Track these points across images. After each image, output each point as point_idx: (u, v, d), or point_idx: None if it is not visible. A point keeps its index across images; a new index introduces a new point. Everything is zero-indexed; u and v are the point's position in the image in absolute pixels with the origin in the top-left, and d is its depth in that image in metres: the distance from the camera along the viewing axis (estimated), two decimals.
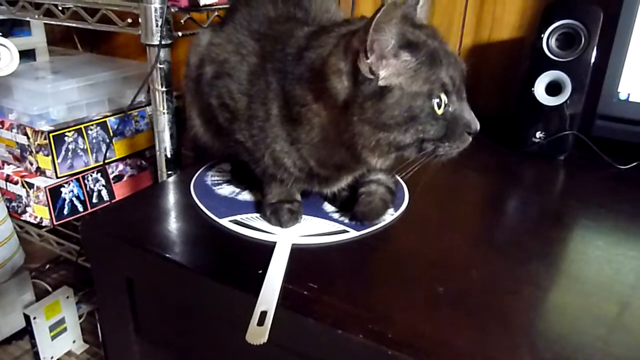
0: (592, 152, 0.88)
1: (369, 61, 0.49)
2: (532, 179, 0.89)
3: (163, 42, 0.73)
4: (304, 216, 0.66)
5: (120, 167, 1.21)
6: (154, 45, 0.73)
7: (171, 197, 0.72)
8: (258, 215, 0.66)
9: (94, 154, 1.14)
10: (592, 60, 0.86)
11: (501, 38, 1.10)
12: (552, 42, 0.88)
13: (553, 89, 0.89)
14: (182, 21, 0.78)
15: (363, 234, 0.63)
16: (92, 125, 1.12)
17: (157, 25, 0.72)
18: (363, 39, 0.48)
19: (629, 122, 0.88)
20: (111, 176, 1.19)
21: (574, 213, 0.74)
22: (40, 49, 1.41)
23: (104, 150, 1.15)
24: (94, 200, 1.16)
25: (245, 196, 0.72)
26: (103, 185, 1.18)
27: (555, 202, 0.79)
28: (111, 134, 1.16)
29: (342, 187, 0.65)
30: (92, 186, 1.15)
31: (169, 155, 0.80)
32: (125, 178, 1.22)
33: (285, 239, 0.60)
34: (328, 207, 0.69)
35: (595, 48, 0.86)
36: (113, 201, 1.18)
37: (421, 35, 0.51)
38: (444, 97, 0.51)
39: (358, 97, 0.50)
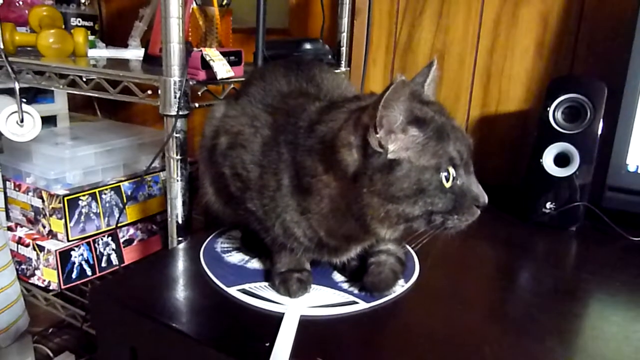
0: (603, 223, 0.88)
1: (378, 135, 0.51)
2: (544, 250, 0.87)
3: (180, 113, 0.75)
4: (313, 286, 0.65)
5: (131, 231, 1.21)
6: (171, 116, 0.76)
7: (180, 265, 0.72)
8: (267, 284, 0.66)
9: (106, 218, 1.15)
10: (599, 132, 0.88)
11: (508, 110, 1.13)
12: (559, 115, 0.90)
13: (562, 160, 0.90)
14: (199, 93, 0.82)
15: (373, 306, 0.62)
16: (106, 189, 1.14)
17: (175, 97, 0.75)
18: (373, 114, 0.50)
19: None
20: (121, 240, 1.20)
21: (588, 286, 0.72)
22: (62, 115, 1.47)
23: (116, 215, 1.16)
24: (103, 265, 1.16)
25: (255, 264, 0.71)
26: (113, 250, 1.18)
27: (568, 274, 0.77)
28: (124, 199, 1.18)
29: (351, 257, 0.65)
30: (102, 250, 1.16)
31: (180, 222, 0.81)
32: (135, 242, 1.22)
33: (293, 310, 0.59)
34: (337, 277, 0.69)
35: (601, 121, 0.87)
36: (122, 265, 1.18)
37: (429, 112, 0.53)
38: (452, 170, 0.52)
39: (367, 169, 0.52)
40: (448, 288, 0.70)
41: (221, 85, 0.87)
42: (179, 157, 0.79)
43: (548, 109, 0.90)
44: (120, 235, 1.20)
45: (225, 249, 0.75)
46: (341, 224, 0.57)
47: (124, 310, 0.61)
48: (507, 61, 1.11)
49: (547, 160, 0.90)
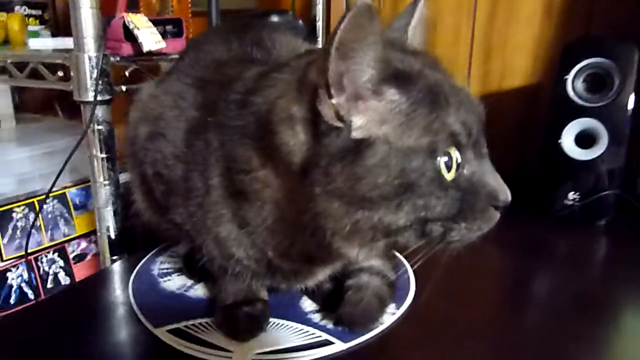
0: (639, 215, 0.74)
1: (334, 101, 0.34)
2: (566, 253, 0.73)
3: (99, 98, 0.59)
4: (272, 319, 0.48)
5: (83, 244, 1.05)
6: (87, 102, 0.59)
7: (103, 295, 0.55)
8: (211, 320, 0.49)
9: (49, 232, 0.99)
10: (630, 103, 0.73)
11: (514, 86, 1.00)
12: (579, 85, 0.76)
13: (585, 140, 0.75)
14: (126, 73, 0.65)
15: (353, 346, 0.46)
16: (47, 198, 0.98)
17: (91, 78, 0.58)
18: (322, 67, 0.33)
19: None
20: (71, 256, 1.03)
21: (624, 300, 0.57)
22: (6, 115, 1.29)
23: (61, 227, 1.00)
24: (49, 285, 0.99)
25: (198, 291, 0.55)
26: (61, 267, 1.02)
27: (597, 284, 0.62)
28: (71, 208, 1.02)
29: (320, 280, 0.48)
30: (46, 269, 0.99)
31: (112, 237, 0.64)
32: (88, 257, 1.06)
33: (242, 358, 0.42)
34: (306, 304, 0.52)
35: (632, 89, 0.73)
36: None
37: (415, 64, 0.36)
38: (455, 153, 0.35)
39: (321, 157, 0.35)
40: (451, 312, 0.54)
41: (159, 63, 0.70)
42: (103, 155, 0.62)
43: (566, 77, 0.76)
44: (70, 250, 1.03)
45: (164, 272, 0.59)
46: (293, 241, 0.40)
47: None
48: (511, 28, 0.97)
49: (567, 140, 0.76)
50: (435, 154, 0.35)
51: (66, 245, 1.02)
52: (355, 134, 0.34)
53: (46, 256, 0.99)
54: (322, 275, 0.46)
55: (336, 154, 0.34)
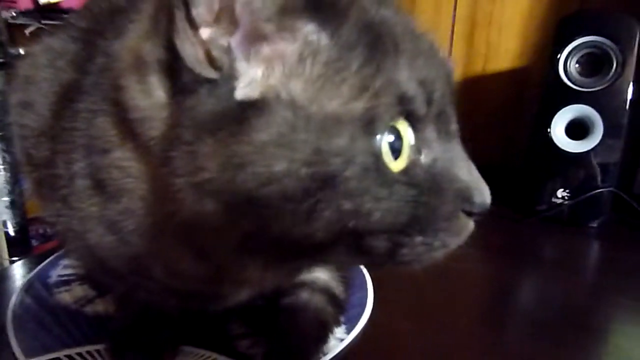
0: (636, 216, 0.68)
1: (205, 34, 0.22)
2: (554, 259, 0.65)
3: None
4: (183, 349, 0.38)
5: None
6: None
7: None
8: (103, 348, 0.38)
9: None
10: (630, 89, 0.66)
11: (499, 69, 0.92)
12: (572, 66, 0.69)
13: (577, 129, 0.68)
14: (27, 32, 0.53)
15: None
16: None
17: None
18: None
19: None
20: None
21: (619, 314, 0.49)
22: None
23: None
24: None
25: (99, 307, 0.43)
26: None
27: (588, 296, 0.54)
28: None
29: (244, 299, 0.37)
30: None
31: (11, 232, 0.53)
32: None
33: None
34: (234, 326, 0.41)
35: (632, 74, 0.66)
36: None
37: None
38: (406, 130, 0.24)
39: (184, 128, 0.23)
40: (417, 336, 0.44)
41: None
42: None
43: (559, 56, 0.68)
44: None
45: (64, 279, 0.48)
46: (175, 257, 0.28)
47: None
48: (497, 4, 0.89)
49: (558, 130, 0.69)
50: (374, 129, 0.23)
51: None
52: (242, 93, 0.22)
53: None
54: (243, 294, 0.35)
55: (206, 124, 0.22)
